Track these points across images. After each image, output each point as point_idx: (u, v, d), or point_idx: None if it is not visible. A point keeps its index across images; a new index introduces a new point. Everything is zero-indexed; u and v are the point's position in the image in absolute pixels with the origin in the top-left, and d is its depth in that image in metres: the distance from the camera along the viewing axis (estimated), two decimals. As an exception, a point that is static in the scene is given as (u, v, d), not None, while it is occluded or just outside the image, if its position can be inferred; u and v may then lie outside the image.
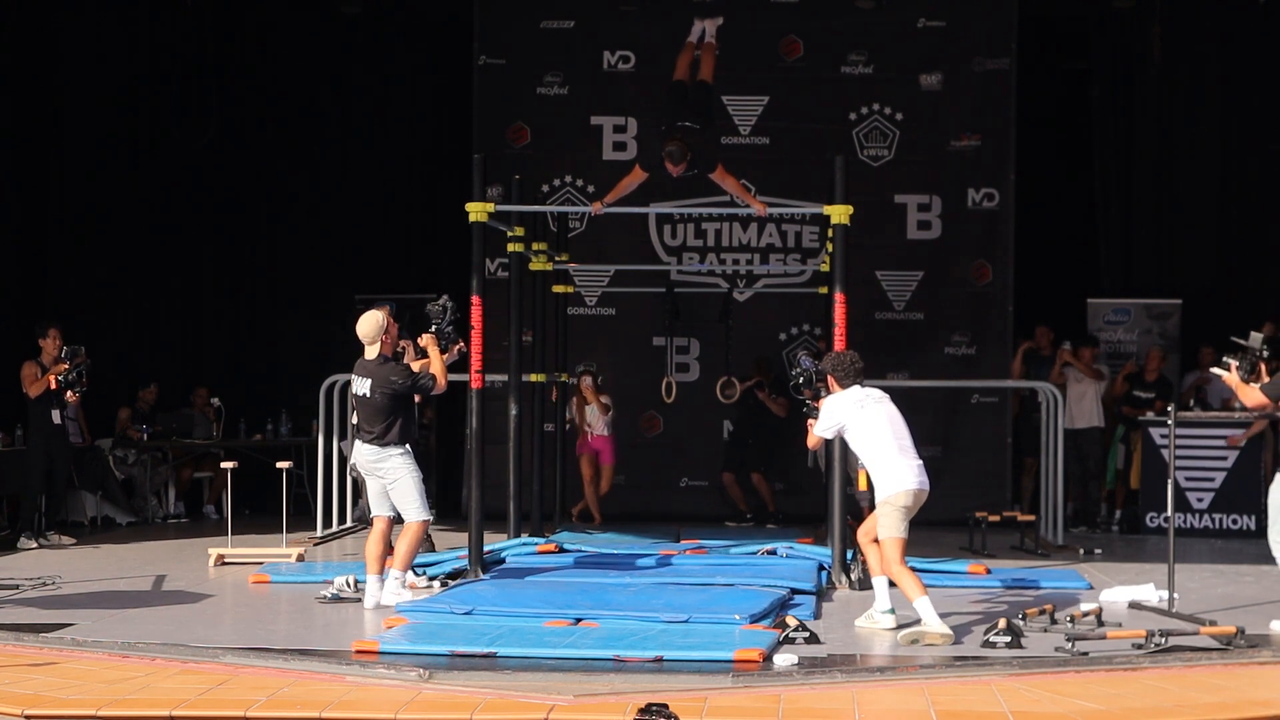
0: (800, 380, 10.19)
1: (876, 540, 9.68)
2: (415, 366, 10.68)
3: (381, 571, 10.40)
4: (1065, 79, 17.75)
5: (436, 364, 10.55)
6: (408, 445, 10.39)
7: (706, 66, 12.35)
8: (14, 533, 13.94)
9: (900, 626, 9.25)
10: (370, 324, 10.39)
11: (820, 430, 9.82)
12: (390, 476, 10.37)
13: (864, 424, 9.58)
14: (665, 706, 6.76)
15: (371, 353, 10.40)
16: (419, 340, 10.80)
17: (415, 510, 10.37)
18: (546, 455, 14.48)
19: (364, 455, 10.43)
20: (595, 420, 15.72)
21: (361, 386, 10.35)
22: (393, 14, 17.43)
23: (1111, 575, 11.78)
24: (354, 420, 12.50)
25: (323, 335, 17.22)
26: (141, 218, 16.76)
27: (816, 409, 9.92)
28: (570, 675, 7.93)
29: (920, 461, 9.60)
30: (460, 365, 11.45)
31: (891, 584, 9.97)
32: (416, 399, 10.78)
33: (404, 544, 10.41)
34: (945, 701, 7.46)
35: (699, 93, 12.23)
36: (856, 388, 9.70)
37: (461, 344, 11.02)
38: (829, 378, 9.79)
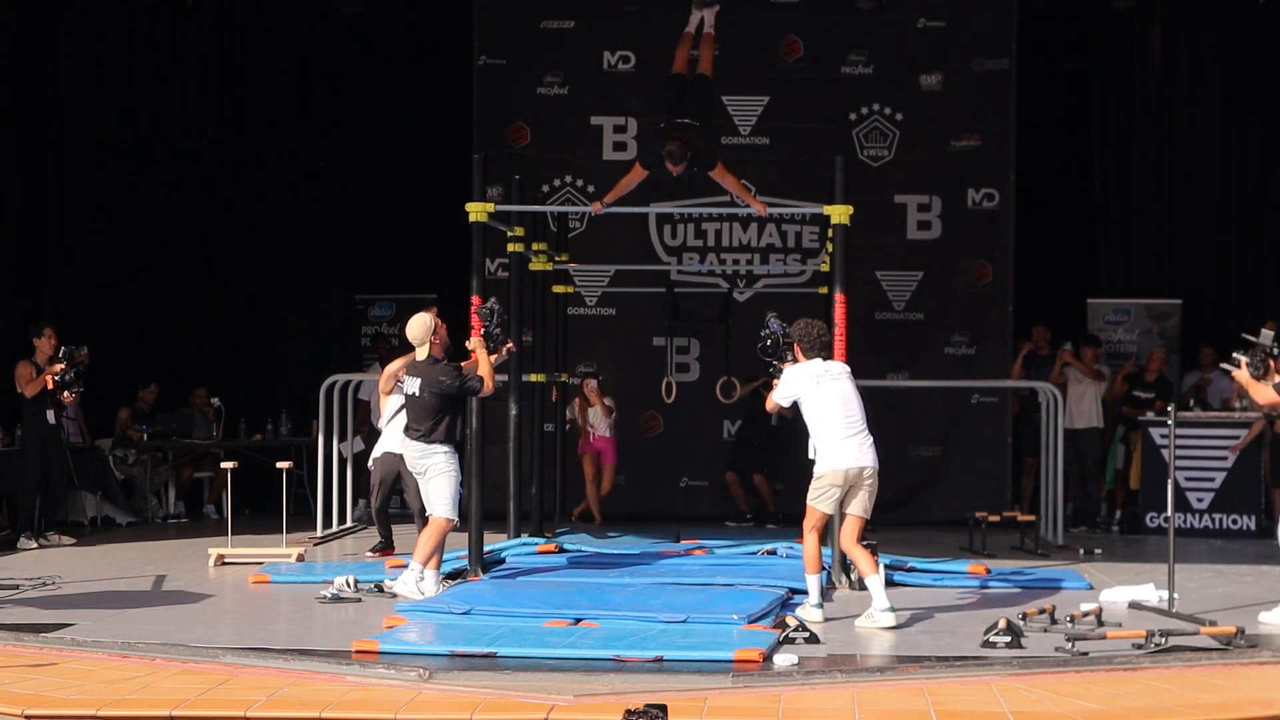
0: (767, 343, 10.31)
1: (862, 544, 9.80)
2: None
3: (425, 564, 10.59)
4: (1065, 79, 17.74)
5: (484, 366, 10.77)
6: (453, 446, 10.66)
7: (705, 59, 12.26)
8: (14, 533, 13.94)
9: (899, 626, 9.26)
10: (419, 326, 10.71)
11: (777, 397, 10.11)
12: (430, 472, 10.64)
13: (817, 399, 9.80)
14: (662, 709, 6.72)
15: (422, 353, 10.73)
16: (466, 344, 10.95)
17: (443, 507, 10.61)
18: (546, 455, 14.47)
19: (411, 452, 10.76)
20: (598, 422, 15.72)
21: (412, 386, 10.69)
22: (393, 14, 17.44)
23: (1111, 575, 11.78)
24: (375, 422, 12.81)
25: (323, 335, 17.25)
26: (141, 218, 16.75)
27: (782, 370, 10.10)
28: (570, 675, 7.93)
29: (870, 440, 9.81)
30: (506, 365, 11.62)
31: (888, 583, 10.03)
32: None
33: (426, 537, 10.63)
34: (945, 701, 7.45)
35: (698, 87, 12.14)
36: (818, 360, 9.89)
37: (511, 344, 11.31)
38: (795, 346, 9.89)
